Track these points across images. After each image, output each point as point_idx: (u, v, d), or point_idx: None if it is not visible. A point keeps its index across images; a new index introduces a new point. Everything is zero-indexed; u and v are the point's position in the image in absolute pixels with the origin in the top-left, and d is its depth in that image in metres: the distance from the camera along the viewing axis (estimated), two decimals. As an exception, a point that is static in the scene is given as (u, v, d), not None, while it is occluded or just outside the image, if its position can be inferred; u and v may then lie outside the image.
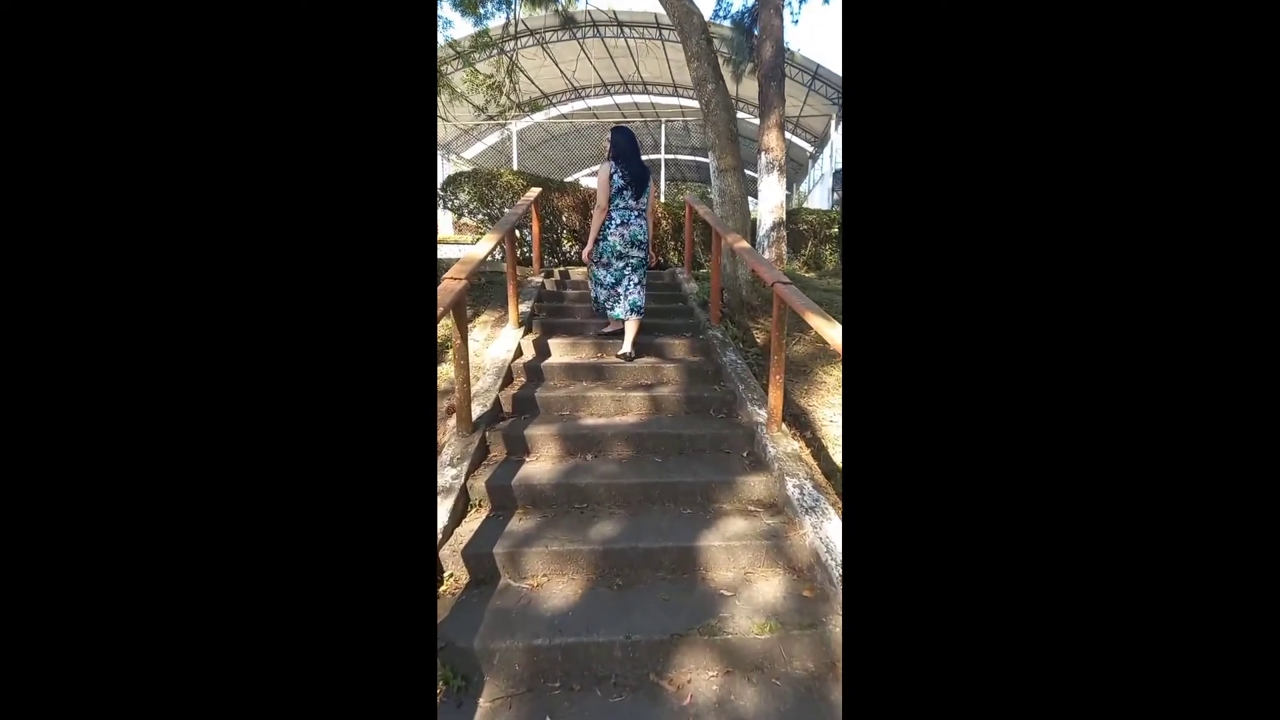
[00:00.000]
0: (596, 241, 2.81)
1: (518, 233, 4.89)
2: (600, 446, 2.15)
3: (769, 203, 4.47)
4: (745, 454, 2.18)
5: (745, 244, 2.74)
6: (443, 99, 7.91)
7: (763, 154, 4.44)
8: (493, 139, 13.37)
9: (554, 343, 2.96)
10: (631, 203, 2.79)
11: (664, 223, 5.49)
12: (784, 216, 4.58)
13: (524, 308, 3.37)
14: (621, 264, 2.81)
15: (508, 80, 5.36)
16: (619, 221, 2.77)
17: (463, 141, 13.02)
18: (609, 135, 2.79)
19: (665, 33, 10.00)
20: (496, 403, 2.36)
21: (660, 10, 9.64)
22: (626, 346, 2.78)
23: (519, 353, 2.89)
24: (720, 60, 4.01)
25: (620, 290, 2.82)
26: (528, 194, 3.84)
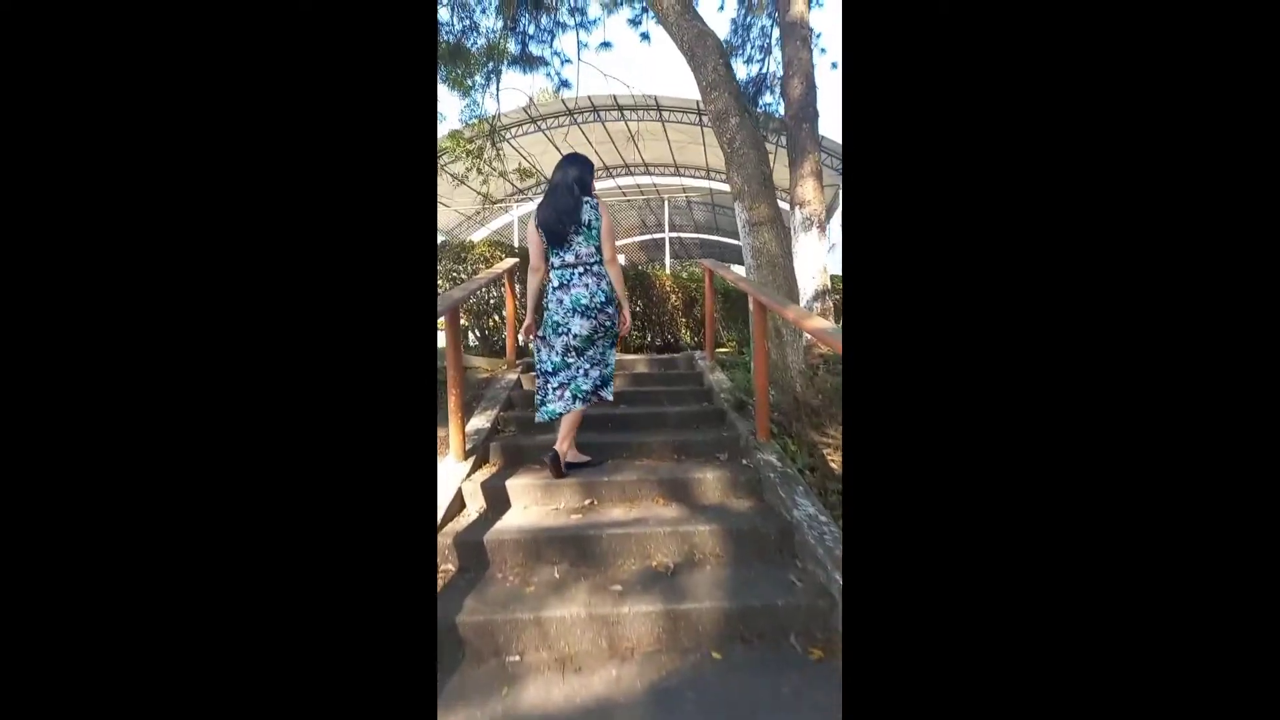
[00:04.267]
0: (537, 312, 2.02)
1: (496, 317, 3.98)
2: (571, 780, 0.97)
3: (809, 267, 3.54)
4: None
5: (823, 322, 1.70)
6: (443, 184, 7.58)
7: (797, 209, 3.57)
8: (497, 223, 13.24)
9: (517, 485, 1.85)
10: (566, 256, 1.89)
11: (674, 297, 4.58)
12: (828, 283, 3.63)
13: (481, 422, 2.31)
14: (562, 342, 1.92)
15: (489, 145, 4.74)
16: (556, 283, 1.93)
17: (465, 228, 12.87)
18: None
19: (665, 114, 9.93)
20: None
21: (660, 93, 9.82)
22: (558, 446, 1.91)
23: (457, 505, 1.78)
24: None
25: (564, 378, 1.95)
26: (495, 266, 2.92)
